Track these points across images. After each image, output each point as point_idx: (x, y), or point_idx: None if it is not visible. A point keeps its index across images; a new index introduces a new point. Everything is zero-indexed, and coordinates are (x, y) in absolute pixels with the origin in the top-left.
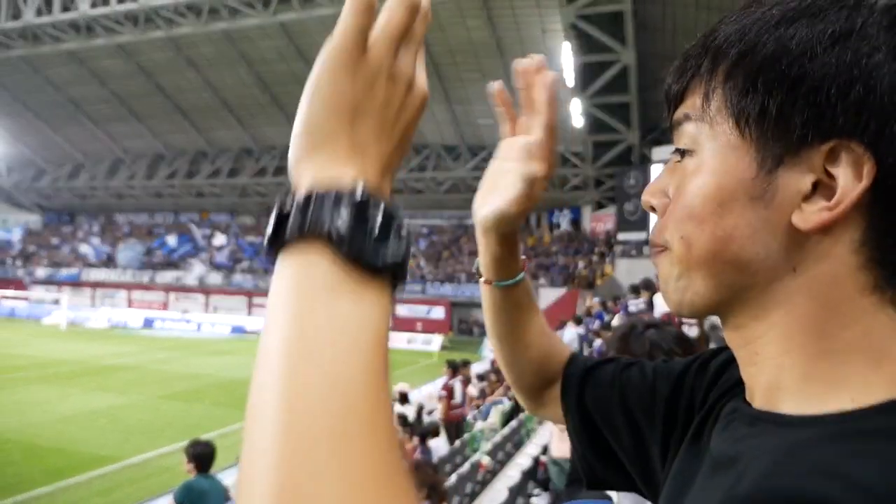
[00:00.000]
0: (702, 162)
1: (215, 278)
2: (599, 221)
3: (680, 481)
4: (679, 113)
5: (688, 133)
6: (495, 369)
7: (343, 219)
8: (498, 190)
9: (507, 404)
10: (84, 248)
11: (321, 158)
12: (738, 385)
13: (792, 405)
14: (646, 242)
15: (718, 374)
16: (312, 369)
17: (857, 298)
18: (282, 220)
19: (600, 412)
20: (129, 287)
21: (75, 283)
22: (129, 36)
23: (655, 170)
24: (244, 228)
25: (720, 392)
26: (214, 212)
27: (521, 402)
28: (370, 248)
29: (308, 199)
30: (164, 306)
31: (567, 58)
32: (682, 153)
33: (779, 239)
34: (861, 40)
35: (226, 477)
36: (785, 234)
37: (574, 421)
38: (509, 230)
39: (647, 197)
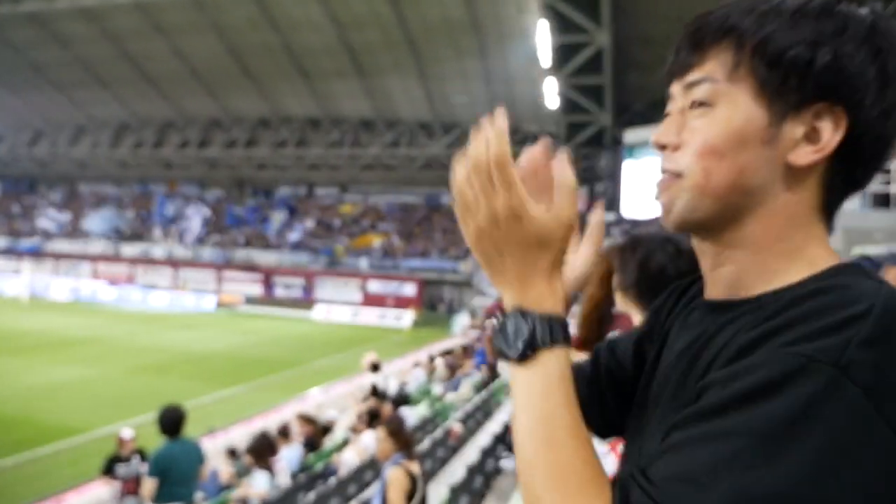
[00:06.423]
0: (725, 113)
1: (184, 251)
2: None
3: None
4: (695, 75)
5: (707, 90)
6: (463, 345)
7: (538, 331)
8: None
9: (476, 377)
10: (44, 222)
11: (507, 290)
12: (683, 306)
13: (750, 292)
14: (615, 223)
15: (670, 309)
16: (552, 426)
17: (809, 214)
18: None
19: (593, 402)
20: (93, 259)
21: (36, 254)
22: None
23: (627, 152)
24: (219, 200)
25: (670, 319)
26: (183, 183)
27: None
28: (557, 340)
29: (531, 323)
30: (131, 279)
31: (543, 37)
32: (700, 104)
33: (775, 172)
34: (845, 39)
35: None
36: (780, 169)
37: None
38: None
39: (659, 138)
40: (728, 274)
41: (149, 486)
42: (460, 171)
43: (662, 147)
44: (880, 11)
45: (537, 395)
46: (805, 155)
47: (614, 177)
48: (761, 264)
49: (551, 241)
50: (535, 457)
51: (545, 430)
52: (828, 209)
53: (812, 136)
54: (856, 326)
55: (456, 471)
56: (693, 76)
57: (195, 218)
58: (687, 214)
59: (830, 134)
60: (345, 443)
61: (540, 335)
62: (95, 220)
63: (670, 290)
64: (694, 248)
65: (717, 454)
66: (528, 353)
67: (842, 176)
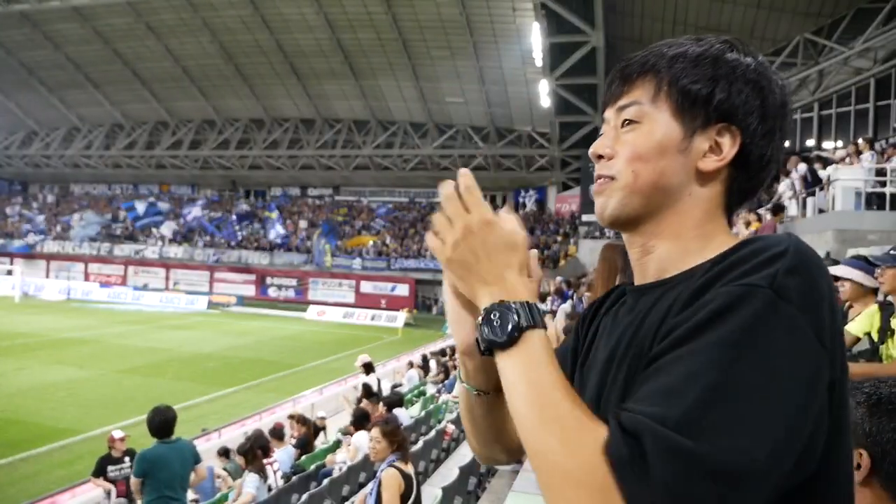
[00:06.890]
0: (648, 128)
1: (176, 252)
2: (564, 202)
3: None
4: (626, 99)
5: (635, 111)
6: (452, 346)
7: (509, 319)
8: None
9: None
10: (27, 225)
11: (485, 290)
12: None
13: (675, 271)
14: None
15: (593, 317)
16: (543, 390)
17: (715, 210)
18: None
19: None
20: (85, 260)
21: (28, 255)
22: None
23: None
24: (209, 203)
25: (595, 322)
26: (175, 184)
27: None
28: (538, 323)
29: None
30: (123, 280)
31: (536, 38)
32: (629, 122)
33: (688, 175)
34: (736, 78)
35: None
36: (691, 173)
37: None
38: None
39: (597, 149)
40: (655, 259)
41: (134, 485)
42: (437, 215)
43: (599, 157)
44: (761, 59)
45: (532, 366)
46: (710, 163)
47: None
48: (682, 248)
49: (517, 244)
50: (540, 419)
51: (543, 394)
52: (729, 208)
53: (715, 149)
54: (780, 260)
55: (450, 472)
56: (624, 101)
57: (187, 218)
58: (619, 210)
59: (729, 147)
60: (337, 444)
61: (524, 318)
62: (79, 229)
63: (589, 305)
64: (624, 242)
65: (690, 367)
66: (515, 335)
67: (738, 183)
